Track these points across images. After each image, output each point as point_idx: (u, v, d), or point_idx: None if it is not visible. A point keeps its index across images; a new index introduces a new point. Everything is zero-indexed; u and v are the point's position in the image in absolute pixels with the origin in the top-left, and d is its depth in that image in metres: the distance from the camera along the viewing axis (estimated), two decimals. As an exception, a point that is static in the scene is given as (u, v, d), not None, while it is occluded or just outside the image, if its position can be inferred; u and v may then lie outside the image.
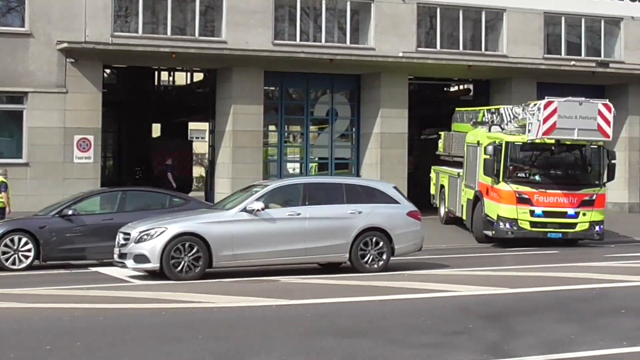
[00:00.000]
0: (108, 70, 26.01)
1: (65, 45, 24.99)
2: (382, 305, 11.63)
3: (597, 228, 20.62)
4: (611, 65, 31.64)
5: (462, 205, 23.11)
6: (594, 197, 20.61)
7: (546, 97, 20.67)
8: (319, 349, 8.79)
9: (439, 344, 9.06)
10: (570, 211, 20.48)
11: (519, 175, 20.87)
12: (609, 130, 20.39)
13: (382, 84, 28.24)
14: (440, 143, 27.88)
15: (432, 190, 27.85)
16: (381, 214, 15.62)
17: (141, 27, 26.66)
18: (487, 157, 21.05)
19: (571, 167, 21.55)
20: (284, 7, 28.43)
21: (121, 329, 9.94)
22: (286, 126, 30.44)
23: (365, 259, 15.31)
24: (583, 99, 20.77)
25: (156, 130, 44.74)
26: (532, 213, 20.42)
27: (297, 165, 30.49)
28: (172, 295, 12.49)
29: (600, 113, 20.22)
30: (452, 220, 24.62)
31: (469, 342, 9.14)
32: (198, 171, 49.88)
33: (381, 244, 15.38)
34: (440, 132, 29.12)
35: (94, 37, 25.54)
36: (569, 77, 31.49)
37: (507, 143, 20.92)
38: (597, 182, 20.87)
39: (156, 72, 39.03)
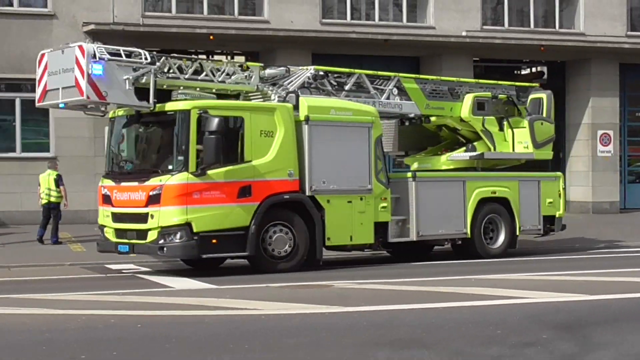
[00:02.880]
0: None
1: (92, 27, 25.49)
2: (446, 313, 11.69)
3: (170, 239, 15.52)
4: None
5: None
6: (159, 191, 15.60)
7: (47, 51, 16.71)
8: (373, 362, 8.93)
9: (509, 356, 9.09)
10: (144, 212, 15.78)
11: (113, 163, 17.18)
12: (84, 84, 15.50)
13: (444, 67, 28.27)
14: None
15: None
16: None
17: (175, 6, 27.10)
18: None
19: (148, 147, 17.31)
20: (333, -17, 28.58)
21: (161, 338, 10.13)
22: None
23: None
24: (74, 43, 16.31)
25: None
26: (113, 216, 16.38)
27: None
28: (216, 301, 12.68)
29: (77, 61, 15.64)
30: None
31: (542, 354, 9.18)
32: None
33: None
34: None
35: (123, 18, 26.04)
36: (658, 56, 31.20)
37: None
38: (170, 167, 15.83)
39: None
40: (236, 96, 17.41)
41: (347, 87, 18.34)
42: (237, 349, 9.49)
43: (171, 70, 16.71)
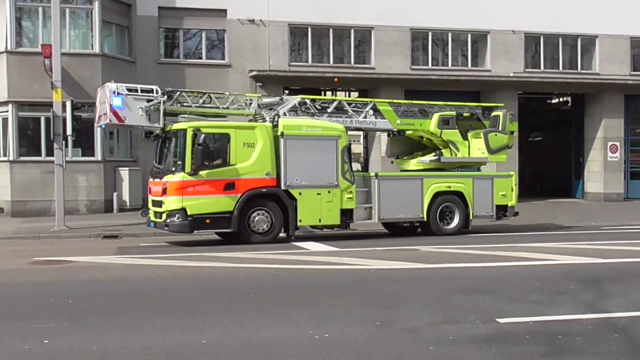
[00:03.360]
0: (287, 91, 26.69)
1: (254, 73, 25.88)
2: (501, 270, 11.54)
3: (172, 219, 15.21)
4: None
5: None
6: (167, 185, 15.40)
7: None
8: (450, 303, 8.85)
9: (546, 301, 8.92)
10: (160, 200, 15.68)
11: (154, 165, 16.77)
12: (108, 111, 15.78)
13: (497, 98, 27.78)
14: None
15: None
16: None
17: (310, 57, 27.29)
18: None
19: (165, 154, 16.34)
20: (419, 40, 28.48)
21: (302, 284, 10.29)
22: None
23: None
24: (109, 84, 16.08)
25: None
26: (151, 202, 16.21)
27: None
28: (339, 259, 12.72)
29: (106, 95, 15.86)
30: None
31: (569, 300, 8.98)
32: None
33: None
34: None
35: (276, 66, 26.35)
36: (652, 90, 30.21)
37: None
38: (174, 169, 15.50)
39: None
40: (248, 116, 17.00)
41: (329, 110, 17.25)
42: (355, 292, 9.53)
43: (185, 102, 16.37)
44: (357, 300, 8.94)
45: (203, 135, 15.10)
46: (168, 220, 15.24)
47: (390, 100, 18.55)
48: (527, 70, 28.99)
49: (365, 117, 17.64)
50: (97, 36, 23.79)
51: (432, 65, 28.37)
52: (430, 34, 28.30)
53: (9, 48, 22.93)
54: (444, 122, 18.25)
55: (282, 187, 15.85)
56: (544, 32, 29.34)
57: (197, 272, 11.51)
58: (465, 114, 18.82)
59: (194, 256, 13.32)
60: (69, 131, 19.06)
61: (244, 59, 26.26)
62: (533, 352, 6.69)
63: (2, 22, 23.20)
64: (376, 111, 17.76)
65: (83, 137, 22.77)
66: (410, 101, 18.98)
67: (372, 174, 17.27)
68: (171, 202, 15.20)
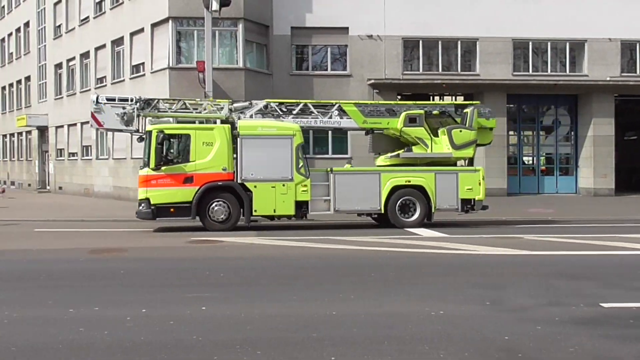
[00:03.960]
0: (399, 97, 26.42)
1: (372, 81, 25.78)
2: (600, 258, 10.91)
3: (140, 208, 15.07)
4: None
5: None
6: (138, 178, 15.29)
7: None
8: (555, 287, 8.42)
9: (646, 287, 8.33)
10: (137, 190, 15.42)
11: None
12: (91, 119, 15.97)
13: (594, 101, 26.52)
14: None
15: None
16: None
17: (421, 67, 26.89)
18: None
19: (143, 152, 15.61)
20: (520, 49, 27.47)
21: (417, 266, 10.13)
22: (522, 132, 29.28)
23: None
24: (92, 94, 15.89)
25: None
26: None
27: (530, 158, 29.27)
28: (449, 244, 12.43)
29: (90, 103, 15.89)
30: None
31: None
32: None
33: None
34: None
35: (391, 75, 26.13)
36: None
37: None
38: (142, 165, 15.32)
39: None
40: (224, 120, 16.04)
41: (294, 112, 16.11)
42: (465, 274, 9.32)
43: (161, 108, 16.02)
44: (467, 282, 8.70)
45: (162, 135, 14.88)
46: (138, 209, 15.19)
47: (356, 102, 17.24)
48: (622, 74, 27.31)
49: (330, 117, 16.37)
50: (240, 53, 24.45)
51: (532, 71, 27.26)
52: (530, 43, 27.20)
53: (170, 65, 23.98)
54: (411, 120, 16.46)
55: (238, 181, 15.25)
56: (639, 38, 27.55)
57: (326, 253, 11.55)
58: (434, 112, 16.83)
59: (322, 239, 13.39)
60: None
61: (363, 70, 26.20)
62: (639, 336, 6.25)
63: (165, 45, 24.31)
64: (342, 112, 16.42)
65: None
66: (377, 102, 17.59)
67: (328, 169, 15.98)
68: (140, 193, 15.14)
